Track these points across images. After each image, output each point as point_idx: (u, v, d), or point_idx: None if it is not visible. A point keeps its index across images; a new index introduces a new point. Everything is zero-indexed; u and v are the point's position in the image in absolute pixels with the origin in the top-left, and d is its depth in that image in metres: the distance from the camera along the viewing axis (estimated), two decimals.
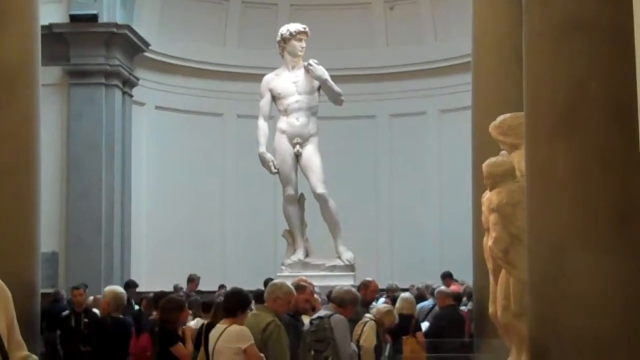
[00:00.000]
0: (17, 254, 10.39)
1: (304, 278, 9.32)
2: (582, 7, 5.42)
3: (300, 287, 8.26)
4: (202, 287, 16.52)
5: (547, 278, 5.43)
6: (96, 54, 17.94)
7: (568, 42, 5.44)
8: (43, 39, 11.69)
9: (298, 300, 8.00)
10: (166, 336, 8.39)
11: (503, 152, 7.16)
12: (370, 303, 10.88)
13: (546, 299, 5.44)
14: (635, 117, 5.26)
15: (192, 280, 16.26)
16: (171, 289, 15.68)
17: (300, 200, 15.79)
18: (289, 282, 7.93)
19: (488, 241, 6.81)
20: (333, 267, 15.30)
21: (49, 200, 14.22)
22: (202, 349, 7.85)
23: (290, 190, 15.63)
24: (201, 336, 8.22)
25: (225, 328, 6.88)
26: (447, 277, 15.35)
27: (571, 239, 5.31)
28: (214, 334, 7.02)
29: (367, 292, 10.83)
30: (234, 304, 7.03)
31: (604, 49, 5.38)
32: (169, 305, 8.55)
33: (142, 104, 19.61)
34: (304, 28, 15.80)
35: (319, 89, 15.69)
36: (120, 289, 10.04)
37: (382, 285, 14.82)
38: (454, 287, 13.64)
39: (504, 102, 9.16)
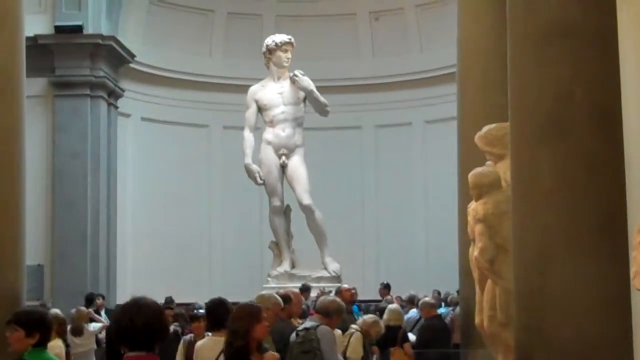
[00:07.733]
0: (2, 266, 10.30)
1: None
2: (565, 14, 5.43)
3: (287, 299, 8.25)
4: (186, 298, 16.36)
5: (532, 287, 5.43)
6: (81, 65, 17.88)
7: (552, 48, 5.45)
8: (28, 50, 11.58)
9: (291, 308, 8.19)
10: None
11: (489, 162, 7.17)
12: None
13: (532, 308, 5.44)
14: (619, 123, 5.27)
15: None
16: (162, 300, 15.45)
17: (286, 211, 15.74)
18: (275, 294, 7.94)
19: (474, 251, 6.82)
20: (319, 279, 15.24)
21: (34, 212, 14.08)
22: None
23: (276, 202, 15.59)
24: None
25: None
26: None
27: (556, 248, 5.31)
28: (208, 346, 6.25)
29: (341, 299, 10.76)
30: (221, 314, 6.26)
31: (587, 55, 5.39)
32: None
33: (127, 116, 19.56)
34: (290, 39, 15.78)
35: (304, 99, 15.66)
36: None
37: (368, 296, 14.83)
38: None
39: (490, 112, 9.15)
